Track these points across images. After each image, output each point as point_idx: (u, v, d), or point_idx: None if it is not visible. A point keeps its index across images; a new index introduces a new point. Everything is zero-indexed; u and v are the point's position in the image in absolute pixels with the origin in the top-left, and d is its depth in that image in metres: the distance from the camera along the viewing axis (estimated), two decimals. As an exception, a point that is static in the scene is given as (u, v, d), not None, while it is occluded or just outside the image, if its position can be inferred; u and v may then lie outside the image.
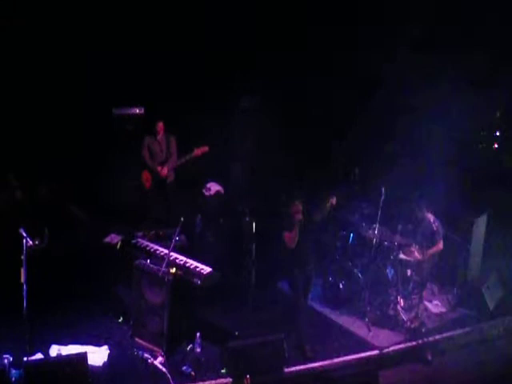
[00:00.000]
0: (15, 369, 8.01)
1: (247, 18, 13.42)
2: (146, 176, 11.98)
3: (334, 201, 9.35)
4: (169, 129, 11.98)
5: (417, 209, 10.49)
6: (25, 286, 8.19)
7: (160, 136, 11.89)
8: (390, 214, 10.65)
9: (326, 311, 10.67)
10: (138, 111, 13.40)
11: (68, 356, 8.35)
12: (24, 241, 8.17)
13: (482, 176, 12.98)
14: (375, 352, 9.59)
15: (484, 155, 14.12)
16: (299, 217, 9.02)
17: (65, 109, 12.75)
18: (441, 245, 10.53)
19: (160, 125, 11.87)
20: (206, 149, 11.62)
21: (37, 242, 8.26)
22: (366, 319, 10.26)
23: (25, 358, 8.19)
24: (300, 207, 9.08)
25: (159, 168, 11.80)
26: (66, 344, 8.83)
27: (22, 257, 8.15)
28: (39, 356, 8.52)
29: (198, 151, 11.62)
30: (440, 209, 10.78)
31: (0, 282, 9.61)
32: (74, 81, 12.65)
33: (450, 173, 12.44)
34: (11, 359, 8.22)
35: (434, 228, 10.43)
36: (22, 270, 8.18)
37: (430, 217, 10.52)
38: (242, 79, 13.57)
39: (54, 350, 8.72)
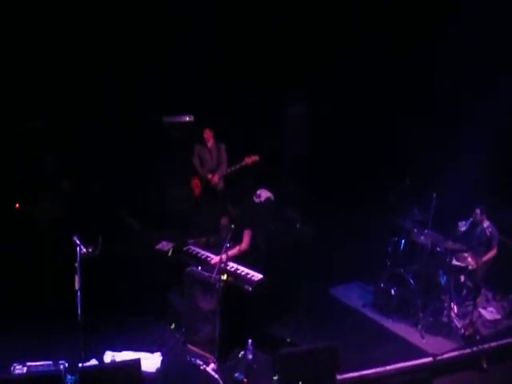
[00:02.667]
0: (71, 374, 8.09)
1: (293, 27, 13.47)
2: (196, 183, 12.06)
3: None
4: (219, 137, 12.04)
5: (477, 213, 10.39)
6: (79, 293, 8.30)
7: (210, 144, 11.95)
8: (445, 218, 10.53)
9: (378, 318, 10.59)
10: (187, 119, 13.51)
11: (122, 362, 8.41)
12: (78, 248, 8.29)
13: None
14: (429, 359, 9.48)
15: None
16: None
17: (115, 117, 12.93)
18: (495, 251, 10.40)
19: (207, 132, 11.93)
20: (256, 158, 11.64)
21: (90, 250, 8.36)
22: (419, 326, 10.15)
23: (80, 364, 8.29)
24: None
25: (210, 176, 11.87)
26: (119, 350, 8.92)
27: (76, 264, 8.27)
28: (94, 362, 8.62)
29: (248, 160, 11.65)
30: (494, 213, 10.67)
31: (55, 290, 9.77)
32: (124, 89, 12.81)
33: (504, 177, 12.31)
34: (67, 365, 8.32)
35: (488, 234, 10.37)
36: (77, 278, 8.29)
37: (486, 222, 10.41)
38: (290, 86, 13.59)
39: (108, 357, 8.81)
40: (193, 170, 12.08)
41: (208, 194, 12.04)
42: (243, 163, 11.68)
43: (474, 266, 10.16)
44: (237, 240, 9.53)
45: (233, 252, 9.37)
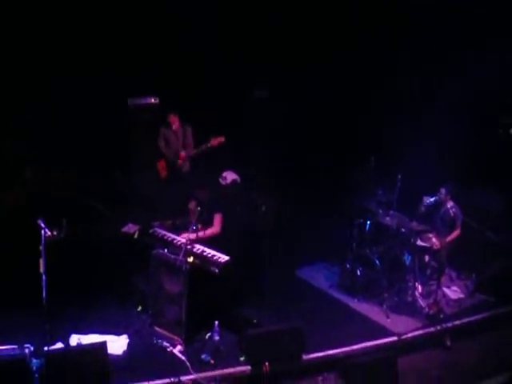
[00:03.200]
0: (36, 358, 8.05)
1: (258, 11, 13.45)
2: (162, 165, 12.01)
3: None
4: (184, 119, 11.99)
5: (442, 193, 10.48)
6: (44, 277, 8.25)
7: (175, 126, 11.92)
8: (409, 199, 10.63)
9: (344, 298, 10.67)
10: (153, 101, 13.41)
11: (88, 345, 8.42)
12: (42, 231, 8.23)
13: (500, 163, 12.88)
14: (393, 338, 9.58)
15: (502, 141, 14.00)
16: None
17: (80, 100, 12.78)
18: (458, 231, 10.53)
19: (172, 117, 11.89)
20: (222, 139, 11.60)
21: (55, 233, 8.31)
22: (384, 306, 10.26)
23: (45, 348, 8.26)
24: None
25: (180, 154, 11.83)
26: (85, 333, 8.89)
27: (41, 247, 8.21)
28: (59, 345, 8.59)
29: (214, 141, 11.61)
30: (458, 194, 10.78)
31: (19, 273, 9.69)
32: (88, 71, 12.67)
33: (467, 159, 12.45)
34: (32, 349, 8.28)
35: (452, 214, 10.48)
36: (41, 261, 8.24)
37: (450, 202, 10.52)
38: (256, 69, 13.57)
39: (74, 340, 8.78)
40: (159, 152, 12.04)
41: (174, 176, 12.00)
42: (209, 145, 11.65)
43: (438, 246, 10.27)
44: (205, 223, 9.55)
45: (202, 235, 9.39)
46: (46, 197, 12.21)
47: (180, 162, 11.89)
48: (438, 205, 10.60)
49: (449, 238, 10.48)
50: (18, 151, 12.72)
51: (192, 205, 9.64)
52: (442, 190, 10.50)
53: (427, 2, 12.92)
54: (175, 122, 11.90)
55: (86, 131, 12.88)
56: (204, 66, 13.37)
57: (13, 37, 12.06)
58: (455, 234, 10.54)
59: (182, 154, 11.84)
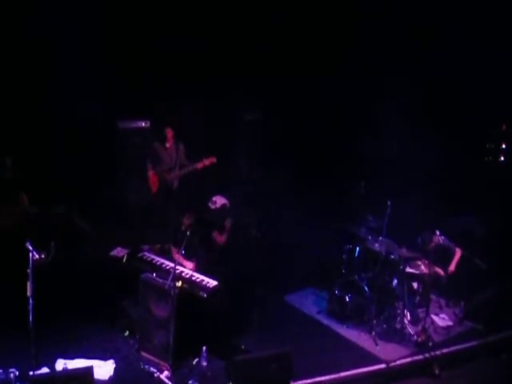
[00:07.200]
0: (21, 383, 7.98)
1: (249, 31, 13.52)
2: (153, 180, 12.04)
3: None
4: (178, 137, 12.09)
5: (425, 241, 10.62)
6: (31, 300, 8.18)
7: (169, 144, 11.98)
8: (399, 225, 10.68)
9: (333, 325, 10.63)
10: (143, 124, 13.43)
11: (74, 370, 8.32)
12: (30, 254, 8.17)
13: (488, 189, 12.95)
14: (382, 366, 9.54)
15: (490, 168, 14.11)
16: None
17: (70, 122, 12.76)
18: (459, 252, 10.73)
19: (169, 131, 11.98)
20: (213, 159, 11.65)
21: (43, 256, 8.25)
22: (373, 333, 10.22)
23: (31, 372, 8.16)
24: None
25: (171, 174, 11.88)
26: (72, 358, 8.81)
27: (28, 270, 8.15)
28: (45, 370, 8.49)
29: (206, 161, 11.68)
30: (447, 224, 10.85)
31: (6, 296, 9.61)
32: (77, 94, 12.66)
33: (456, 187, 12.52)
34: (17, 373, 8.20)
35: (441, 241, 10.53)
36: (29, 284, 8.17)
37: (436, 235, 10.60)
38: (246, 92, 13.62)
39: (60, 364, 8.70)
40: (151, 167, 12.11)
41: (164, 192, 12.05)
42: (201, 164, 11.68)
43: (427, 274, 10.28)
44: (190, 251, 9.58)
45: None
46: (35, 219, 12.13)
47: (170, 178, 11.92)
48: (426, 243, 10.69)
49: (455, 259, 10.72)
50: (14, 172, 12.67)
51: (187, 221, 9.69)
52: (439, 237, 10.63)
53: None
54: (170, 138, 11.98)
55: (76, 153, 12.85)
56: (197, 86, 13.41)
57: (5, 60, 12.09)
58: (458, 255, 10.69)
59: (176, 171, 11.88)
